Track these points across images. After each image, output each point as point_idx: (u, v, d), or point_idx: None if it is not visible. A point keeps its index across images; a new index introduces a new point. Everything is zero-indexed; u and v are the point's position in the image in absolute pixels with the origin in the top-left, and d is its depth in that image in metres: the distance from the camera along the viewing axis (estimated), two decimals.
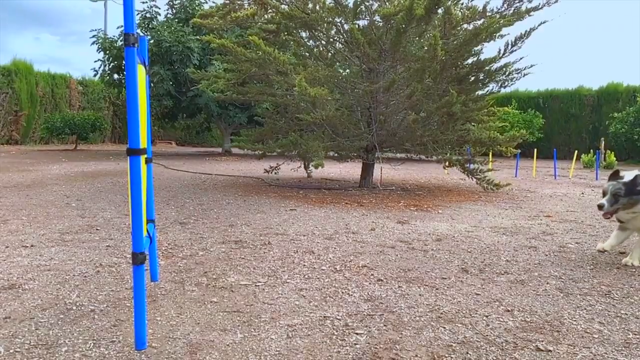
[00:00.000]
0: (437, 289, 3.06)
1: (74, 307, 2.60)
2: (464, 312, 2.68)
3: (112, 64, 16.55)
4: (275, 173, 9.57)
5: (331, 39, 8.48)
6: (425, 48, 8.18)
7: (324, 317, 2.54)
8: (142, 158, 1.91)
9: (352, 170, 11.63)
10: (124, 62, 15.71)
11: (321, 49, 8.75)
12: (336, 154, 8.98)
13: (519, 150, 9.21)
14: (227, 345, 2.19)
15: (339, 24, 8.05)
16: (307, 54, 8.85)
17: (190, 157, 16.67)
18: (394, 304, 2.77)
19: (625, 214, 3.72)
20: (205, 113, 17.59)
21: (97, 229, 4.54)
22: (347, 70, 9.05)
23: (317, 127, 7.89)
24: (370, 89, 7.46)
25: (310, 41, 8.75)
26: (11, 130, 20.13)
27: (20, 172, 9.56)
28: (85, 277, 3.12)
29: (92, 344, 2.16)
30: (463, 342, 2.28)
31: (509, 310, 2.71)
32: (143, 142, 2.13)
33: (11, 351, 2.08)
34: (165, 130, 25.03)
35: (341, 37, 8.31)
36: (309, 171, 9.82)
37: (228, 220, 5.16)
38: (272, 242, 4.20)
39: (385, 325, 2.45)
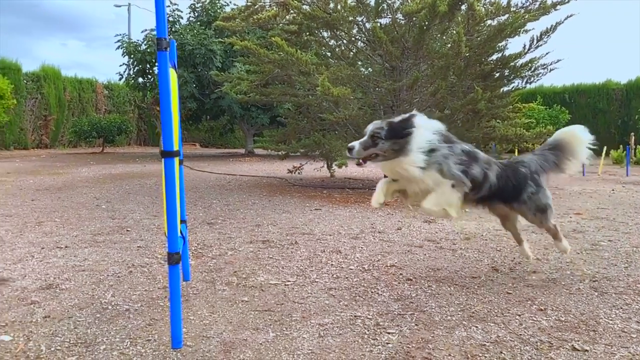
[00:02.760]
0: (467, 288, 3.04)
1: (110, 307, 2.66)
2: (495, 311, 2.65)
3: (136, 67, 16.83)
4: (299, 173, 9.60)
5: (353, 38, 8.46)
6: (449, 45, 8.11)
7: (355, 316, 2.55)
8: (176, 160, 1.94)
9: (375, 169, 11.60)
10: (148, 65, 15.98)
11: (343, 48, 8.74)
12: None
13: None
14: (260, 344, 2.21)
15: (360, 22, 8.03)
16: (329, 53, 8.86)
17: (214, 158, 16.85)
18: (425, 303, 2.76)
19: (389, 165, 2.88)
20: (228, 115, 17.76)
21: (127, 230, 4.62)
22: (369, 69, 9.03)
23: (340, 127, 7.89)
24: (393, 87, 7.43)
25: (332, 41, 8.75)
26: (41, 135, 20.66)
27: (51, 175, 9.80)
28: (118, 277, 3.19)
29: (128, 343, 2.21)
30: (496, 342, 2.26)
31: (542, 310, 2.67)
32: (175, 144, 2.17)
33: (52, 349, 2.14)
34: (190, 132, 25.33)
35: (363, 35, 8.29)
36: (332, 171, 9.82)
37: (254, 220, 5.21)
38: (299, 242, 4.22)
39: (416, 325, 2.44)
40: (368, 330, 2.36)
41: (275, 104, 14.66)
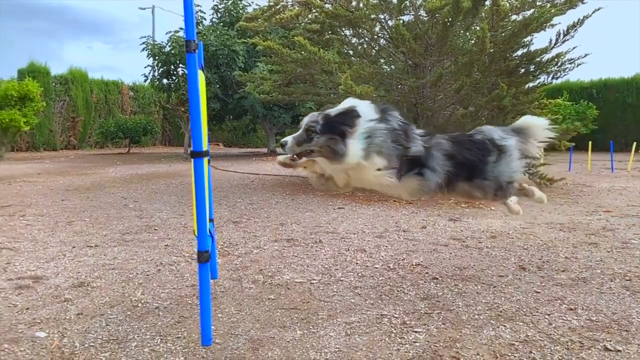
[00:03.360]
0: (494, 286, 3.01)
1: (140, 304, 2.71)
2: (524, 310, 2.62)
3: (161, 69, 17.05)
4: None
5: (375, 36, 8.43)
6: (473, 41, 8.01)
7: (381, 315, 2.55)
8: (205, 160, 1.97)
9: None
10: (172, 67, 16.15)
11: (365, 46, 8.71)
12: None
13: (573, 144, 8.87)
14: (288, 341, 2.23)
15: (383, 20, 8.00)
16: (351, 51, 8.84)
17: (237, 158, 16.98)
18: (451, 302, 2.74)
19: (325, 162, 2.59)
20: (250, 114, 17.87)
21: (155, 229, 4.71)
22: (392, 67, 8.98)
23: None
24: (416, 85, 7.38)
25: (354, 39, 8.72)
26: (69, 136, 21.13)
27: (80, 176, 10.02)
28: (147, 275, 3.25)
29: (159, 340, 2.25)
30: (525, 341, 2.23)
31: (572, 309, 2.63)
32: (204, 145, 2.19)
33: (86, 346, 2.20)
34: (213, 132, 25.57)
35: (385, 33, 8.25)
36: None
37: (278, 219, 5.24)
38: (323, 240, 4.23)
39: (443, 324, 2.43)
40: (395, 329, 2.36)
41: (297, 103, 14.69)
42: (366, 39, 8.46)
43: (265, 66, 13.31)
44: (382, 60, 8.76)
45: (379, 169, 2.56)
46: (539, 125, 3.02)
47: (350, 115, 2.49)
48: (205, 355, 2.08)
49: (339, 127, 2.47)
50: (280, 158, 2.68)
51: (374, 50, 8.67)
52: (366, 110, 2.55)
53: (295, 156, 2.58)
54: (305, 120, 2.56)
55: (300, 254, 3.78)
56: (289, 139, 2.55)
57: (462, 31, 7.86)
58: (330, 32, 8.28)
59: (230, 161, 15.25)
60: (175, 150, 20.75)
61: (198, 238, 1.98)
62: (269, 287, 3.00)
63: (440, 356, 2.09)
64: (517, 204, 3.09)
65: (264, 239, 4.33)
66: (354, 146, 2.48)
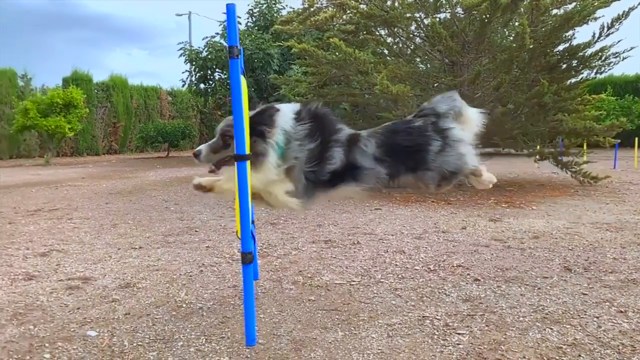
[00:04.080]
0: (539, 288, 2.94)
1: (184, 305, 2.78)
2: (571, 312, 2.55)
3: (198, 74, 17.40)
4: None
5: (411, 35, 8.36)
6: (512, 37, 7.85)
7: (423, 316, 2.52)
8: (248, 163, 2.00)
9: None
10: (209, 72, 16.44)
11: (401, 45, 8.65)
12: None
13: (618, 140, 8.55)
14: (330, 342, 2.24)
15: (418, 18, 7.92)
16: (386, 51, 8.79)
17: None
18: (494, 304, 2.69)
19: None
20: None
21: (195, 231, 4.81)
22: (428, 65, 8.89)
23: None
24: (453, 83, 7.27)
25: (389, 38, 8.68)
26: (111, 141, 21.83)
27: (122, 179, 10.33)
28: (190, 276, 3.33)
29: (204, 340, 2.30)
30: (574, 344, 2.17)
31: (622, 312, 2.54)
32: (247, 148, 2.22)
33: (134, 345, 2.27)
34: None
35: (421, 32, 8.18)
36: None
37: (315, 220, 5.26)
38: (361, 242, 4.23)
39: (487, 326, 2.39)
40: (437, 331, 2.34)
41: (332, 105, 14.71)
42: (402, 38, 8.41)
43: (299, 68, 13.40)
44: (418, 59, 8.68)
45: (287, 192, 2.39)
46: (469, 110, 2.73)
47: (268, 114, 2.31)
48: (249, 355, 2.11)
49: (257, 127, 2.28)
50: (196, 181, 2.45)
51: (409, 49, 8.61)
52: (288, 113, 2.39)
53: (214, 167, 2.38)
54: (221, 125, 2.37)
55: (338, 256, 3.78)
56: (203, 147, 2.35)
57: (500, 27, 7.70)
58: (365, 32, 8.27)
59: None
60: None
61: (242, 240, 2.02)
62: (309, 288, 3.02)
63: (484, 359, 2.06)
64: (487, 172, 2.75)
65: (302, 240, 4.36)
66: (272, 156, 2.30)
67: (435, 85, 8.04)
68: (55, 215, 5.76)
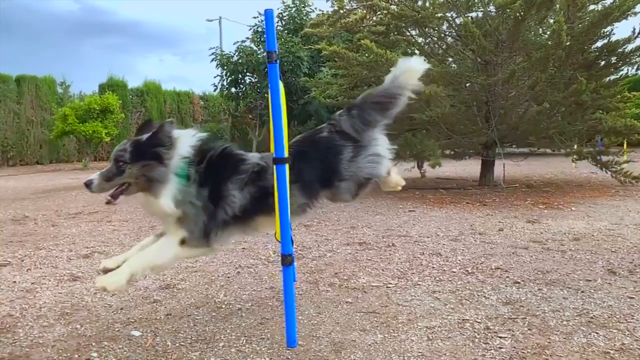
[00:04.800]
0: (582, 291, 2.86)
1: (223, 306, 2.82)
2: (617, 316, 2.47)
3: (229, 78, 17.65)
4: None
5: (442, 35, 8.28)
6: (547, 35, 7.68)
7: (463, 319, 2.49)
8: (287, 166, 2.02)
9: (468, 168, 11.22)
10: (240, 76, 16.62)
11: (432, 45, 8.58)
12: (452, 152, 8.74)
13: None
14: (369, 345, 2.23)
15: (450, 18, 7.84)
16: (418, 51, 8.72)
17: None
18: (536, 307, 2.64)
19: (144, 196, 2.24)
20: (315, 119, 18.07)
21: None
22: (460, 65, 8.78)
23: (431, 126, 7.74)
24: (487, 82, 7.17)
25: (420, 38, 8.61)
26: None
27: None
28: (228, 277, 3.38)
29: (244, 341, 2.33)
30: (622, 350, 2.11)
31: None
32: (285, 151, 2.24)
33: (177, 345, 2.31)
34: None
35: (453, 31, 8.09)
36: (422, 171, 9.66)
37: (349, 222, 5.26)
38: (396, 244, 4.21)
39: (529, 329, 2.34)
40: (478, 334, 2.31)
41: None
42: (433, 38, 8.34)
43: (329, 71, 13.44)
44: (450, 59, 8.58)
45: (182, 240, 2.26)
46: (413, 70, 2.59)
47: (162, 134, 2.14)
48: (289, 357, 2.13)
49: (152, 150, 2.14)
50: (103, 266, 2.34)
51: (441, 49, 8.52)
52: (187, 140, 2.24)
53: (110, 198, 2.21)
54: (114, 150, 2.20)
55: (374, 258, 3.77)
56: (94, 177, 2.15)
57: (534, 25, 7.55)
58: (395, 33, 8.23)
59: None
60: None
61: (282, 242, 2.04)
62: (345, 291, 3.02)
63: None
64: (396, 174, 2.63)
65: (336, 242, 4.36)
66: (172, 182, 2.16)
67: (468, 85, 7.94)
68: (95, 218, 5.94)
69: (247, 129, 20.31)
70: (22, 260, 3.98)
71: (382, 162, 2.51)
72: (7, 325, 2.59)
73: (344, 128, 2.47)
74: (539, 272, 3.26)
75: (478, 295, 2.85)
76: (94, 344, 2.34)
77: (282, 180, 2.00)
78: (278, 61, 2.01)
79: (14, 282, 3.39)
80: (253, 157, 2.39)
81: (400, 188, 2.67)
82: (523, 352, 2.11)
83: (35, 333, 2.49)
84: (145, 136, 2.21)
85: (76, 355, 2.22)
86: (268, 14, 2.03)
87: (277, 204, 2.00)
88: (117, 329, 2.52)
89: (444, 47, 8.46)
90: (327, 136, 2.48)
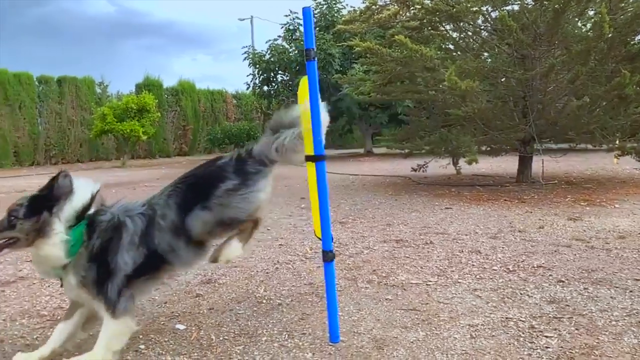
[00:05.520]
0: (630, 291, 2.77)
1: (264, 301, 2.86)
2: None
3: (261, 76, 17.81)
4: (424, 171, 9.44)
5: (478, 29, 8.13)
6: (587, 27, 7.45)
7: (506, 318, 2.46)
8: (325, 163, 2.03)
9: (504, 164, 11.00)
10: (272, 74, 16.77)
11: (467, 40, 8.43)
12: (488, 149, 8.58)
13: None
14: (412, 342, 2.23)
15: (485, 12, 7.69)
16: (452, 46, 8.60)
17: (334, 159, 17.21)
18: (583, 306, 2.57)
19: (37, 257, 2.08)
20: (347, 116, 18.05)
21: (268, 229, 4.92)
22: (497, 60, 8.60)
23: (467, 122, 7.62)
24: (525, 77, 7.00)
25: (455, 33, 8.48)
26: (181, 143, 22.79)
27: None
28: (267, 273, 3.42)
29: (286, 335, 2.36)
30: None
31: None
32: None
33: (221, 339, 2.36)
34: None
35: (489, 25, 7.94)
36: (458, 167, 9.52)
37: (384, 220, 5.24)
38: (434, 242, 4.17)
39: (577, 329, 2.29)
40: (523, 333, 2.27)
41: (394, 102, 14.60)
42: (468, 32, 8.20)
43: (361, 67, 13.39)
44: (486, 54, 8.43)
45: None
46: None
47: (57, 189, 2.05)
48: (332, 352, 2.14)
49: (47, 203, 2.04)
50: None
51: (476, 44, 8.37)
52: (81, 195, 2.11)
53: None
54: (10, 208, 2.09)
55: (411, 255, 3.75)
56: None
57: (574, 17, 7.33)
58: (429, 28, 8.13)
59: (328, 162, 15.46)
60: None
61: (322, 238, 2.05)
62: (384, 288, 3.01)
63: None
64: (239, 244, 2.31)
65: (372, 239, 4.35)
66: (57, 243, 2.01)
67: (503, 80, 7.78)
68: None
69: None
70: None
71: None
72: (59, 318, 2.69)
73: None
74: (584, 271, 3.18)
75: (521, 294, 2.80)
76: (141, 336, 2.41)
77: (322, 177, 2.01)
78: (316, 58, 2.01)
79: None
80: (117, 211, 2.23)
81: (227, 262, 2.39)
82: (571, 352, 2.06)
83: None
84: (43, 189, 2.10)
85: (125, 347, 2.29)
86: (306, 11, 2.04)
87: (318, 200, 2.01)
88: (162, 322, 2.59)
89: (479, 41, 8.31)
90: (221, 165, 2.34)
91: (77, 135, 19.84)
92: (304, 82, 2.09)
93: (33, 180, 11.55)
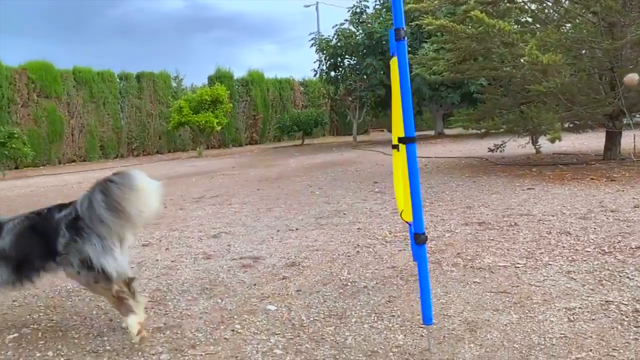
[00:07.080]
0: None
1: (349, 283, 2.90)
2: None
3: (328, 62, 17.80)
4: (501, 151, 9.09)
5: None
6: None
7: (606, 301, 2.34)
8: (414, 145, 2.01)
9: (587, 142, 10.35)
10: (339, 59, 16.70)
11: (547, 11, 7.97)
12: (571, 125, 8.12)
13: None
14: (505, 325, 2.18)
15: None
16: (531, 19, 8.15)
17: None
18: None
19: None
20: (416, 97, 17.67)
21: (344, 214, 4.96)
22: (580, 30, 8.07)
23: (548, 98, 7.23)
24: (613, 47, 6.52)
25: (534, 5, 8.03)
26: (251, 132, 23.39)
27: (266, 167, 11.01)
28: (348, 256, 3.46)
29: (375, 317, 2.39)
30: None
31: None
32: (402, 132, 2.23)
33: (311, 319, 2.43)
34: (378, 118, 25.98)
35: None
36: (538, 146, 9.08)
37: (463, 202, 5.12)
38: (519, 223, 4.02)
39: None
40: (627, 317, 2.16)
41: (467, 81, 14.11)
42: (549, 2, 7.74)
43: (431, 46, 13.04)
44: (567, 25, 7.92)
45: None
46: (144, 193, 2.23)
47: None
48: (423, 334, 2.15)
49: None
50: None
51: (557, 15, 7.89)
52: None
53: None
54: None
55: (496, 238, 3.65)
56: None
57: None
58: (506, 1, 7.75)
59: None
60: (344, 139, 21.52)
61: (414, 221, 2.05)
62: (471, 270, 2.96)
63: None
64: (132, 321, 2.23)
65: (453, 222, 4.28)
66: None
67: (585, 51, 7.29)
68: (217, 202, 6.35)
69: (346, 112, 20.41)
70: (160, 241, 4.39)
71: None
72: (158, 299, 2.88)
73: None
74: None
75: (620, 276, 2.65)
76: (235, 316, 2.53)
77: (413, 159, 1.99)
78: (406, 38, 1.99)
79: (157, 260, 3.75)
80: None
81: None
82: None
83: (182, 306, 2.74)
84: None
85: (222, 327, 2.42)
86: None
87: (410, 183, 2.00)
88: (253, 303, 2.70)
89: (560, 12, 7.82)
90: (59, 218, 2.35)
91: (156, 128, 20.87)
92: (394, 62, 2.07)
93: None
